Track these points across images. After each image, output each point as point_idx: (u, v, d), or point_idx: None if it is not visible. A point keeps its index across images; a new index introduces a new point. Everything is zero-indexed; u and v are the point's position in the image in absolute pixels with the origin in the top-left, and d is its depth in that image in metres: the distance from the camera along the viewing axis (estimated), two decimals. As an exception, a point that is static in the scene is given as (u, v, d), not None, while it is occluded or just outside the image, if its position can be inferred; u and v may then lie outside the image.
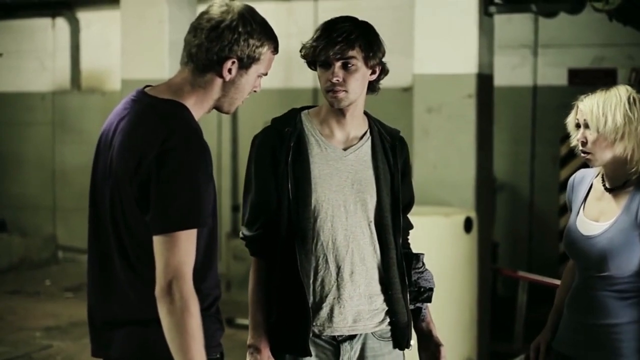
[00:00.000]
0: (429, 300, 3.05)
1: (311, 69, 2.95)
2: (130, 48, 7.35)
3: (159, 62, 7.21)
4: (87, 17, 10.72)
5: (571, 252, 2.98)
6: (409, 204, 3.06)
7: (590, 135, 2.85)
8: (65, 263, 10.79)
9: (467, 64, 6.20)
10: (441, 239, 5.53)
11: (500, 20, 7.03)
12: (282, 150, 2.88)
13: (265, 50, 2.52)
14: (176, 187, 2.33)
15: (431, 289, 3.05)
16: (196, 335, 2.33)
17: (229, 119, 9.48)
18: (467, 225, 5.62)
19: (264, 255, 2.95)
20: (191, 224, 2.35)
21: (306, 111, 3.01)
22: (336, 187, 2.88)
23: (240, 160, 9.33)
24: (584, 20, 7.48)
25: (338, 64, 2.85)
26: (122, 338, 2.54)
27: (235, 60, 2.48)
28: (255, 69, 2.52)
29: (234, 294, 8.66)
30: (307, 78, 9.29)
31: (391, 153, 2.97)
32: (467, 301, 5.65)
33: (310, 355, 2.87)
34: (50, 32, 10.98)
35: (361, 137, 2.98)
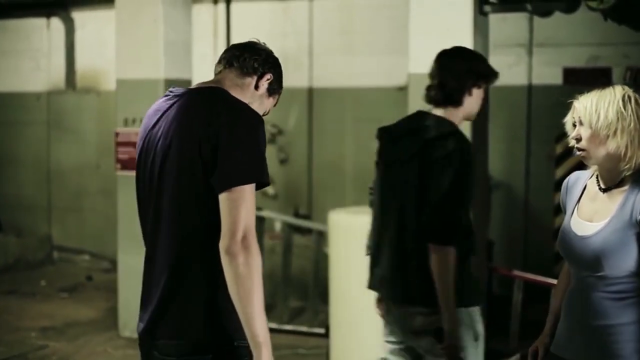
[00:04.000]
0: None
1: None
2: (125, 48, 7.33)
3: (154, 61, 7.19)
4: (82, 17, 10.71)
5: (565, 253, 2.99)
6: None
7: (584, 132, 2.88)
8: (61, 263, 10.78)
9: (462, 63, 6.19)
10: (437, 238, 5.53)
11: (495, 20, 7.04)
12: None
13: (279, 93, 3.04)
14: (245, 146, 2.65)
15: None
16: (260, 287, 2.61)
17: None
18: (463, 224, 5.61)
19: None
20: (257, 178, 2.66)
21: None
22: None
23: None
24: (579, 19, 7.48)
25: None
26: (173, 318, 2.76)
27: (271, 78, 2.95)
28: (271, 100, 3.00)
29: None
30: (302, 77, 9.30)
31: None
32: (462, 300, 5.64)
33: None
34: (45, 32, 10.97)
35: None
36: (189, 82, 7.49)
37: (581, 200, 2.99)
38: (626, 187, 2.86)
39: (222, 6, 9.80)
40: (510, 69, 8.54)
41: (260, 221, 7.39)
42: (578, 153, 2.92)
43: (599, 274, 2.85)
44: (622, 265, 2.81)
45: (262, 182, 2.68)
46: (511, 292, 6.60)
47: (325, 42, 9.10)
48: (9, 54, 11.14)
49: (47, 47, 10.97)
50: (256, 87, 2.93)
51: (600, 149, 2.86)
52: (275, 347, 2.77)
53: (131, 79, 7.30)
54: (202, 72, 9.59)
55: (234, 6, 9.71)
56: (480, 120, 6.38)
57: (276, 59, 3.01)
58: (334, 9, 9.11)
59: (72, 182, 10.83)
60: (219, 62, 2.98)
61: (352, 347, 5.61)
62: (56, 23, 10.84)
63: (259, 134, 2.69)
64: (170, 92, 2.94)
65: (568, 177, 3.13)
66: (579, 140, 2.89)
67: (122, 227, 7.40)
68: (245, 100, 2.85)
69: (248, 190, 2.62)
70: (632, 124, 2.83)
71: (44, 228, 11.05)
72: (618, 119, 2.83)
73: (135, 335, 8.17)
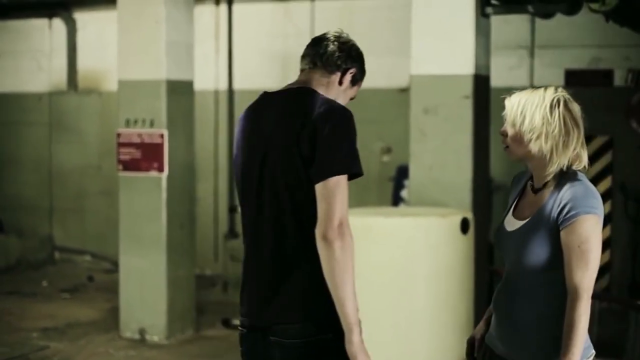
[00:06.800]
0: None
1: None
2: (127, 48, 7.34)
3: (156, 62, 7.20)
4: (83, 18, 10.71)
5: (497, 247, 3.09)
6: None
7: (509, 130, 2.95)
8: (62, 264, 10.78)
9: (464, 64, 6.21)
10: (438, 240, 5.54)
11: (497, 21, 7.04)
12: None
13: (362, 80, 3.19)
14: (339, 140, 2.82)
15: None
16: (353, 272, 2.77)
17: (225, 121, 9.47)
18: (464, 226, 5.62)
19: None
20: (352, 169, 2.83)
21: None
22: None
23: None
24: (581, 21, 7.48)
25: None
26: (294, 302, 2.90)
27: (354, 72, 3.10)
28: (355, 89, 3.16)
29: (231, 295, 8.66)
30: (304, 79, 9.27)
31: None
32: (463, 302, 5.65)
33: None
34: (47, 32, 10.98)
35: None
36: (190, 83, 7.49)
37: (520, 198, 3.07)
38: (551, 189, 2.91)
39: (224, 7, 9.80)
40: (512, 70, 8.54)
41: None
42: (504, 149, 2.99)
43: (519, 268, 2.92)
44: (535, 261, 2.87)
45: (355, 173, 2.84)
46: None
47: (326, 44, 9.08)
48: (10, 55, 11.15)
49: (48, 47, 10.98)
50: (340, 82, 3.08)
51: (521, 149, 2.93)
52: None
53: (133, 80, 7.30)
54: (204, 73, 9.63)
55: (235, 7, 9.71)
56: (481, 123, 6.38)
57: (358, 50, 3.15)
58: (335, 10, 9.10)
59: (73, 182, 10.83)
60: (303, 57, 3.10)
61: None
62: (58, 24, 10.84)
63: (350, 127, 2.86)
64: (263, 95, 3.08)
65: (514, 176, 3.19)
66: (505, 135, 2.96)
67: (123, 228, 7.41)
68: (331, 97, 2.99)
69: (343, 181, 2.79)
70: (556, 130, 2.87)
71: (45, 229, 11.06)
72: (543, 124, 2.87)
73: (137, 336, 8.12)
